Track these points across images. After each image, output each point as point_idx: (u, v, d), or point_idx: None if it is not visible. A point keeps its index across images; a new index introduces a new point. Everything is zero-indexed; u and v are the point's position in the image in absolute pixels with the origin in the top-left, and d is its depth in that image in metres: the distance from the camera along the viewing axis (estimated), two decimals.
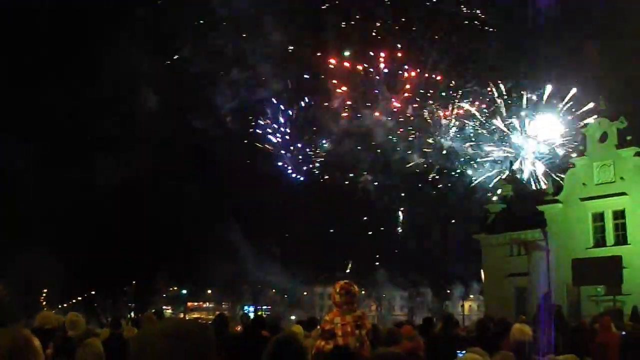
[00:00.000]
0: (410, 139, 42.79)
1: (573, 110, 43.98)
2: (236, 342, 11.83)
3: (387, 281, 71.70)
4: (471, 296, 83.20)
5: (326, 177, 42.37)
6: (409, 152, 42.89)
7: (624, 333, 13.79)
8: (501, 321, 14.73)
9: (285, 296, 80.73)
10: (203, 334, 2.09)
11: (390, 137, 42.01)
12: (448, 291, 77.18)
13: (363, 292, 67.94)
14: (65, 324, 9.78)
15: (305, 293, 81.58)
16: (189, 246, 49.93)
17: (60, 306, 57.96)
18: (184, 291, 78.36)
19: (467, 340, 11.77)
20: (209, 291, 78.91)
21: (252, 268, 46.63)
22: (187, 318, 51.51)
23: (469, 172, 43.35)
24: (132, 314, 50.36)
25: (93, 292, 57.34)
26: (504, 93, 43.29)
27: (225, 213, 47.87)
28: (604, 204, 41.03)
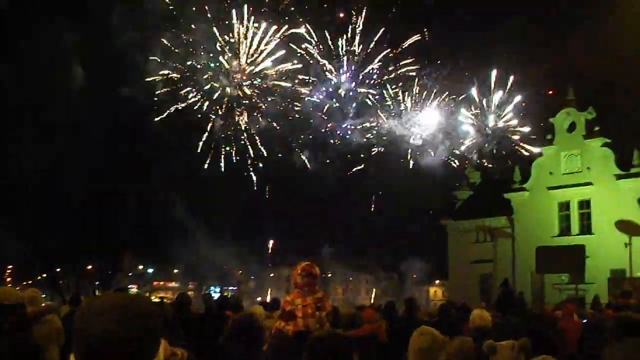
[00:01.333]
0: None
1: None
2: (198, 321, 11.80)
3: (352, 264, 72.00)
4: (436, 281, 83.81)
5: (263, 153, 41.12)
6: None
7: (584, 320, 13.97)
8: (463, 307, 14.86)
9: (252, 277, 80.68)
10: (150, 309, 2.04)
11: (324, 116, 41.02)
12: (414, 276, 77.57)
13: (329, 275, 68.15)
14: (24, 300, 9.68)
15: (272, 275, 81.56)
16: (153, 225, 49.51)
17: (25, 283, 57.46)
18: (150, 270, 78.09)
19: (429, 325, 11.84)
20: (175, 270, 78.69)
21: (214, 249, 46.21)
22: (152, 297, 51.38)
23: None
24: (97, 292, 50.02)
25: (58, 270, 56.89)
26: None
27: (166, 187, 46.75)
28: (570, 193, 41.44)
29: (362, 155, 42.29)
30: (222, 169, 40.50)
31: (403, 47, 39.69)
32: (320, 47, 38.59)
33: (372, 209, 50.92)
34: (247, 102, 38.69)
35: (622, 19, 36.34)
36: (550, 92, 44.33)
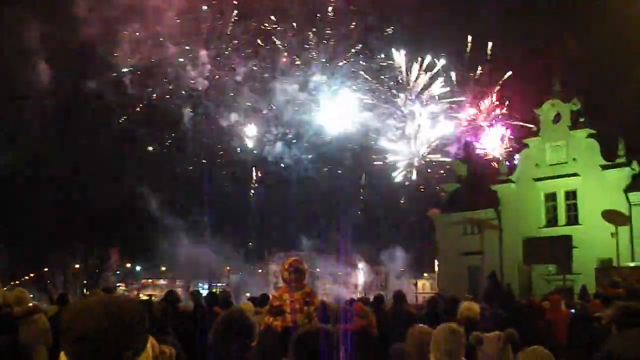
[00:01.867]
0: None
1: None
2: (186, 318, 11.77)
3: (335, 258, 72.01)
4: (425, 274, 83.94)
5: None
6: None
7: (573, 311, 14.03)
8: (451, 299, 14.88)
9: (240, 273, 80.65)
10: (132, 306, 2.11)
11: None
12: (402, 269, 77.66)
13: (317, 270, 68.12)
14: (10, 300, 9.64)
15: (260, 270, 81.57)
16: (141, 222, 49.27)
17: (12, 283, 57.25)
18: (138, 268, 77.86)
19: (417, 317, 11.86)
20: (163, 268, 78.50)
21: (197, 246, 46.01)
22: (140, 295, 51.13)
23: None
24: (85, 291, 49.89)
25: (45, 269, 56.68)
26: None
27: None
28: (556, 184, 41.57)
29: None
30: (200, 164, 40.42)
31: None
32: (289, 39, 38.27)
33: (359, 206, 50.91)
34: (218, 95, 38.32)
35: (607, 10, 36.51)
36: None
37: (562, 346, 10.97)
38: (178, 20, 35.37)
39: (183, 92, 37.11)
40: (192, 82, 36.81)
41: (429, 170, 45.69)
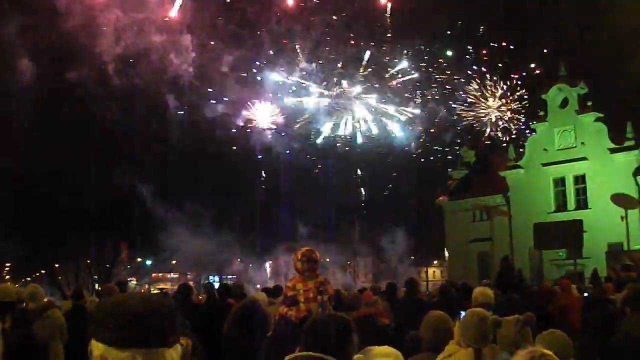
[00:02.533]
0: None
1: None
2: (200, 310, 11.81)
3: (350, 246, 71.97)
4: (435, 262, 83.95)
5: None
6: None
7: (585, 295, 14.01)
8: (463, 286, 14.88)
9: (251, 265, 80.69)
10: (167, 301, 2.16)
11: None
12: (412, 257, 77.60)
13: (327, 259, 68.11)
14: (25, 296, 9.67)
15: (270, 262, 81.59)
16: (149, 217, 49.27)
17: (23, 279, 57.45)
18: (148, 262, 77.96)
19: (430, 305, 11.86)
20: (174, 262, 78.59)
21: (212, 238, 45.90)
22: (151, 289, 51.22)
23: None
24: (96, 286, 50.02)
25: (57, 265, 56.86)
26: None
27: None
28: (565, 169, 41.50)
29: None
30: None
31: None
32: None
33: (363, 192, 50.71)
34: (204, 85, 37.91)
35: None
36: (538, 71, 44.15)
37: (575, 330, 10.97)
38: (162, 8, 34.77)
39: (167, 81, 36.47)
40: (178, 71, 36.27)
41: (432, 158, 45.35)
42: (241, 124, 41.09)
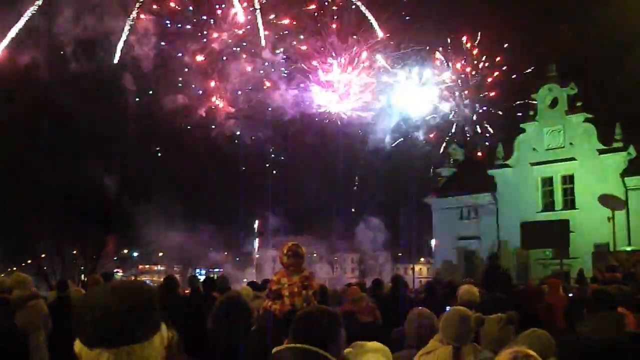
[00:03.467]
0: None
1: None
2: (185, 303, 11.78)
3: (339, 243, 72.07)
4: (422, 259, 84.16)
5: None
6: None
7: (570, 295, 14.06)
8: (449, 283, 14.92)
9: (237, 259, 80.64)
10: (148, 292, 2.15)
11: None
12: (399, 254, 77.70)
13: (314, 254, 68.15)
14: (10, 284, 9.61)
15: (257, 256, 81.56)
16: (135, 208, 49.02)
17: (9, 269, 57.30)
18: (135, 254, 77.91)
19: (416, 301, 11.87)
20: (160, 254, 78.54)
21: (198, 231, 45.71)
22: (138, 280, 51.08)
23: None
24: (82, 277, 49.91)
25: (43, 255, 56.71)
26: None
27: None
28: (553, 169, 41.63)
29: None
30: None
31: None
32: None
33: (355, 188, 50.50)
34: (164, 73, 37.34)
35: None
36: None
37: (560, 329, 10.99)
38: None
39: (127, 68, 35.66)
40: (138, 58, 35.48)
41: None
42: (204, 114, 40.49)
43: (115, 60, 34.73)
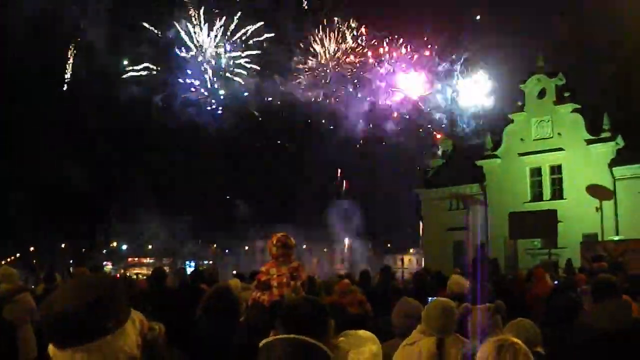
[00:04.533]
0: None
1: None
2: (172, 295, 11.76)
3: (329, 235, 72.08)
4: (411, 250, 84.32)
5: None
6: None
7: (556, 282, 14.13)
8: (438, 274, 14.94)
9: (227, 251, 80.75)
10: (107, 284, 2.15)
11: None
12: (388, 245, 77.93)
13: (304, 246, 68.21)
14: None
15: (247, 248, 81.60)
16: (125, 201, 48.93)
17: None
18: (124, 247, 77.79)
19: (405, 292, 11.88)
20: (150, 247, 78.45)
21: (187, 224, 45.70)
22: (126, 274, 51.13)
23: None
24: (71, 270, 49.86)
25: (32, 249, 56.67)
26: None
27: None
28: (542, 159, 41.71)
29: None
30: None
31: None
32: None
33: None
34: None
35: None
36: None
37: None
38: None
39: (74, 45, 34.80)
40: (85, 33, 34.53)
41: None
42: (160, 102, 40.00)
43: None
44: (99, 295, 2.05)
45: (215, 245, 76.99)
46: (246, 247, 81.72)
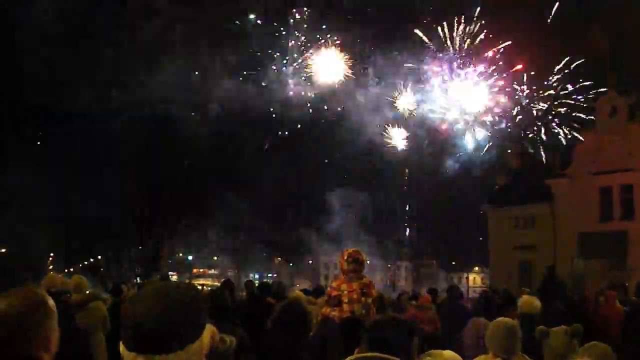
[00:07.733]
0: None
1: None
2: (241, 308, 11.87)
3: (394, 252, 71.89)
4: (475, 268, 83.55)
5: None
6: None
7: (626, 308, 13.84)
8: (505, 293, 14.79)
9: (291, 264, 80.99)
10: (193, 296, 2.16)
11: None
12: (453, 263, 77.30)
13: (367, 262, 67.97)
14: (70, 287, 9.81)
15: (310, 262, 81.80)
16: (194, 211, 49.32)
17: (66, 270, 58.25)
18: (190, 257, 78.65)
19: (473, 311, 11.80)
20: (215, 258, 79.15)
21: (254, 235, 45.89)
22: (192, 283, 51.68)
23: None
24: (138, 280, 50.62)
25: (99, 257, 57.57)
26: None
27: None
28: (612, 178, 40.94)
29: None
30: None
31: None
32: None
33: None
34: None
35: None
36: None
37: (615, 342, 10.84)
38: None
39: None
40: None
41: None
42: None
43: None
44: (182, 310, 2.07)
45: (280, 258, 77.36)
46: (310, 261, 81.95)
